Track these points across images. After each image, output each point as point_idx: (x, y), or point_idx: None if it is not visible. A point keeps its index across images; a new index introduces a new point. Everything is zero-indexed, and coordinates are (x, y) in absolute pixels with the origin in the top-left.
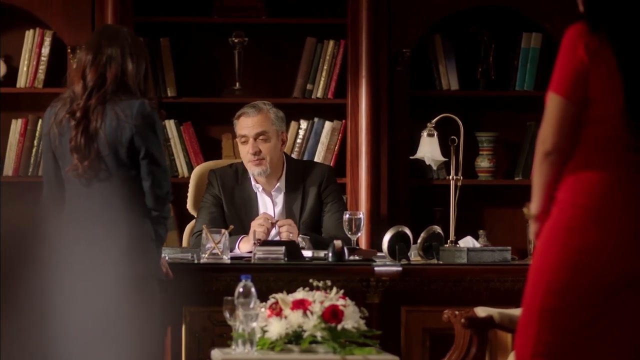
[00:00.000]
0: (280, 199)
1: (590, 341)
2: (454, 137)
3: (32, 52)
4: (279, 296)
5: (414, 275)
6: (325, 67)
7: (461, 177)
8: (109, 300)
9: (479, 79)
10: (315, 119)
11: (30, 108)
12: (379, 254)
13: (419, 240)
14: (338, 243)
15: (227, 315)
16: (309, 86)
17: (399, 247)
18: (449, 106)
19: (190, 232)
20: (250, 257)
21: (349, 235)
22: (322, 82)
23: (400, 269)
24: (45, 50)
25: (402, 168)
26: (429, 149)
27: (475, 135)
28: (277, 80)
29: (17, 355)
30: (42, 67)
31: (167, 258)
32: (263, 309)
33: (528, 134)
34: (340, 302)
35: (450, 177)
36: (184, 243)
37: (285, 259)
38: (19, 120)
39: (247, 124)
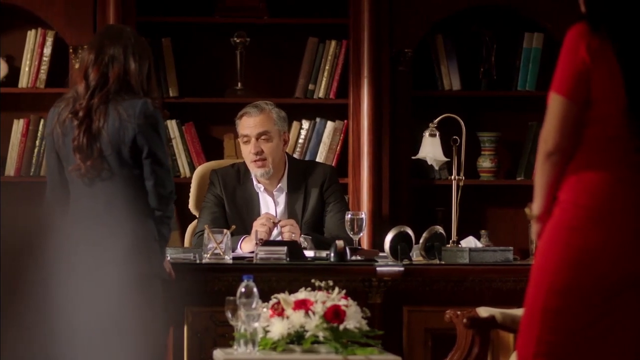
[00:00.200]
0: (282, 198)
1: (592, 341)
2: (456, 137)
3: (34, 52)
4: (281, 296)
5: (416, 275)
6: (327, 67)
7: (463, 177)
8: (112, 300)
9: (481, 79)
10: (317, 119)
11: (32, 108)
12: (381, 254)
13: (421, 241)
14: (340, 243)
15: (229, 315)
16: (310, 86)
17: (401, 247)
18: (451, 106)
19: (192, 232)
20: (252, 257)
21: (351, 236)
22: (324, 82)
23: (402, 269)
24: (47, 51)
25: (404, 168)
26: (431, 149)
27: (477, 135)
28: (278, 81)
29: (21, 356)
30: (44, 67)
31: (169, 258)
32: (265, 309)
33: (530, 134)
34: (342, 302)
35: (452, 177)
36: (186, 243)
37: (287, 259)
38: (21, 121)
39: (249, 123)
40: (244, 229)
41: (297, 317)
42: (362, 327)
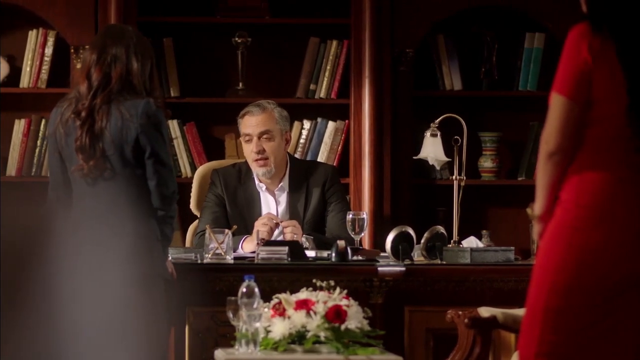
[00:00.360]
0: (283, 198)
1: (594, 341)
2: (457, 137)
3: (35, 52)
4: (283, 296)
5: (418, 275)
6: (328, 67)
7: (464, 177)
8: (115, 300)
9: (482, 79)
10: (319, 119)
11: (33, 108)
12: (382, 254)
13: (422, 241)
14: (341, 243)
15: (230, 315)
16: (312, 86)
17: (402, 247)
18: (452, 106)
19: (193, 232)
20: (253, 257)
21: (352, 235)
22: (325, 82)
23: (403, 269)
24: (49, 51)
25: (405, 168)
26: (432, 149)
27: (478, 135)
28: (280, 80)
29: (25, 356)
30: (45, 67)
31: (170, 258)
32: (266, 309)
33: (531, 134)
34: (344, 302)
35: (454, 177)
36: (187, 243)
37: (289, 259)
38: (22, 121)
39: (251, 122)
40: (245, 229)
41: (298, 317)
42: (364, 327)
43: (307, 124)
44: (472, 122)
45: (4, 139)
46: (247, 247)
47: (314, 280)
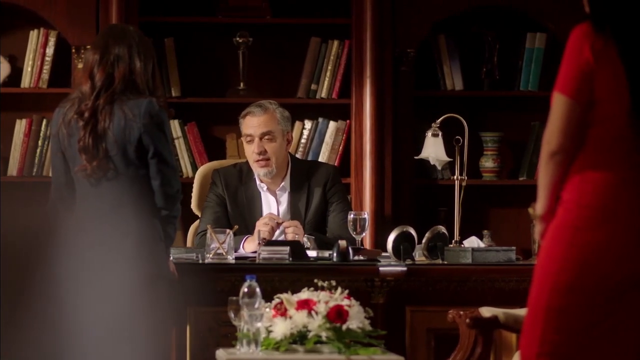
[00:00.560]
0: (284, 198)
1: (596, 341)
2: (459, 137)
3: (37, 52)
4: (284, 296)
5: (419, 275)
6: (329, 67)
7: (466, 177)
8: (119, 300)
9: (484, 79)
10: (320, 119)
11: (35, 108)
12: (383, 254)
13: (423, 241)
14: (343, 243)
15: (231, 315)
16: (313, 86)
17: (403, 247)
18: (454, 106)
19: (194, 232)
20: (254, 257)
21: (353, 235)
22: (326, 82)
23: (405, 269)
24: (50, 51)
25: (406, 168)
26: (433, 149)
27: (479, 135)
28: (281, 80)
29: (30, 356)
30: (47, 67)
31: (171, 258)
32: (268, 309)
33: (532, 134)
34: (345, 302)
35: (455, 177)
36: (188, 243)
37: (290, 259)
38: (23, 121)
39: (252, 123)
40: (246, 229)
41: (299, 317)
42: (365, 327)
43: (308, 124)
44: (473, 122)
45: (5, 139)
46: (249, 247)
47: (315, 280)
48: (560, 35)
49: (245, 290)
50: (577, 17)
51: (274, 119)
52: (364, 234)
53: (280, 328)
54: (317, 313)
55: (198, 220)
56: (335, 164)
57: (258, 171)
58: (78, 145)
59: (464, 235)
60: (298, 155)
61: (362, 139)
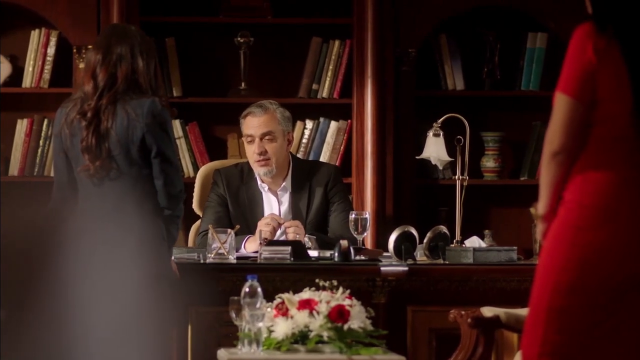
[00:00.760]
0: (286, 198)
1: (598, 341)
2: (460, 137)
3: (38, 52)
4: (285, 296)
5: (420, 275)
6: (330, 67)
7: (467, 177)
8: (123, 300)
9: (485, 79)
10: (321, 119)
11: (36, 108)
12: (385, 253)
13: (425, 240)
14: (344, 243)
15: (233, 315)
16: (314, 86)
17: (405, 247)
18: (455, 106)
19: (195, 232)
20: (256, 257)
21: (355, 235)
22: (327, 82)
23: (406, 268)
24: (51, 50)
25: (407, 168)
26: (434, 149)
27: (480, 135)
28: (282, 80)
29: (35, 355)
30: (48, 67)
31: (173, 258)
32: (269, 309)
33: (534, 133)
34: (347, 302)
35: (456, 177)
36: (190, 243)
37: (292, 258)
38: (25, 120)
39: (253, 123)
40: (247, 229)
41: (301, 317)
42: (366, 327)
43: (309, 124)
44: (474, 122)
45: (6, 139)
46: (250, 247)
47: (316, 280)
48: (562, 35)
49: (247, 290)
50: (578, 16)
51: (274, 119)
52: (365, 234)
53: (282, 328)
54: (318, 313)
55: (199, 220)
56: (337, 164)
57: (258, 171)
58: (81, 145)
59: (465, 235)
60: (299, 155)
61: (364, 139)
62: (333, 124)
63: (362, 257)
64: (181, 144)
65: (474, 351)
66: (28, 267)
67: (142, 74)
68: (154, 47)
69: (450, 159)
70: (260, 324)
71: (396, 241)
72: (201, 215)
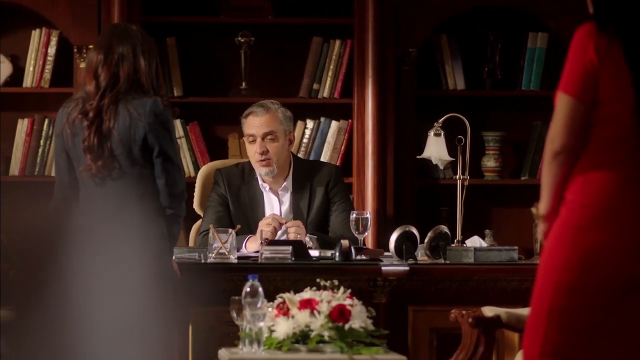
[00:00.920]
0: (287, 198)
1: (598, 341)
2: (461, 136)
3: (39, 52)
4: (286, 296)
5: (421, 274)
6: (331, 67)
7: (468, 177)
8: (125, 300)
9: (485, 78)
10: (322, 119)
11: (37, 108)
12: (385, 253)
13: (425, 240)
14: (345, 243)
15: (234, 314)
16: (315, 86)
17: (406, 247)
18: (456, 106)
19: (196, 231)
20: (257, 256)
21: (355, 235)
22: (328, 82)
23: (407, 268)
24: (52, 50)
25: (408, 168)
26: (435, 149)
27: (481, 134)
28: (283, 80)
29: (40, 355)
30: (49, 67)
31: (174, 258)
32: (270, 309)
33: (534, 133)
34: (348, 301)
35: (457, 176)
36: (191, 243)
37: (293, 258)
38: (25, 120)
39: (255, 123)
40: (248, 229)
41: (302, 317)
42: (368, 326)
43: (310, 124)
44: (475, 122)
45: (7, 139)
46: (251, 246)
47: (317, 280)
48: (562, 35)
49: (248, 289)
50: (578, 16)
51: (276, 119)
52: (366, 234)
53: (283, 327)
54: (319, 312)
55: (200, 220)
56: (337, 164)
57: (260, 170)
58: (83, 145)
59: (466, 235)
60: (300, 155)
61: (364, 139)
62: (334, 124)
63: (363, 257)
64: (182, 144)
65: (474, 351)
66: (32, 267)
67: (144, 74)
68: (155, 47)
69: (451, 159)
70: (261, 324)
71: (397, 241)
72: (202, 215)
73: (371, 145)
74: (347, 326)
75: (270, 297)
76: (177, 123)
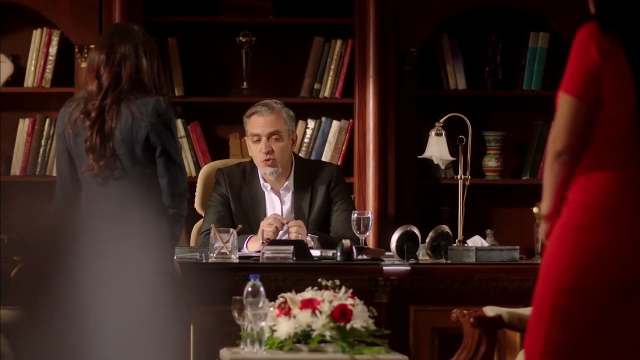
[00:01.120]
0: (288, 197)
1: (600, 341)
2: (462, 136)
3: (40, 52)
4: (288, 295)
5: (423, 274)
6: (332, 67)
7: (469, 177)
8: (130, 299)
9: (487, 78)
10: (323, 119)
11: (38, 108)
12: (387, 253)
13: (427, 240)
14: (346, 242)
15: (235, 314)
16: (316, 85)
17: (407, 247)
18: (457, 106)
19: (197, 231)
20: (258, 256)
21: (357, 235)
22: (329, 82)
23: (408, 268)
24: (53, 50)
25: (409, 167)
26: (436, 148)
27: (482, 134)
28: (284, 80)
29: (46, 355)
30: (50, 67)
31: (175, 257)
32: (272, 309)
33: (535, 133)
34: (349, 301)
35: (458, 176)
36: (192, 242)
37: (294, 258)
38: (27, 120)
39: (259, 122)
40: (249, 228)
41: (303, 317)
42: (369, 326)
43: (311, 124)
44: (476, 122)
45: (8, 139)
46: (252, 246)
47: (319, 280)
48: (563, 35)
49: (249, 289)
50: (580, 16)
51: (280, 119)
52: (367, 234)
53: (284, 327)
54: (321, 312)
55: (201, 220)
56: (339, 164)
57: (264, 170)
58: (85, 145)
59: (468, 235)
60: (301, 155)
61: (365, 139)
62: (335, 124)
63: (365, 257)
64: (183, 144)
65: (476, 351)
66: (37, 268)
67: (146, 73)
68: (157, 46)
69: (452, 159)
70: (263, 324)
71: (398, 241)
72: (203, 215)
73: (372, 145)
74: (348, 326)
75: (271, 297)
76: (179, 123)
